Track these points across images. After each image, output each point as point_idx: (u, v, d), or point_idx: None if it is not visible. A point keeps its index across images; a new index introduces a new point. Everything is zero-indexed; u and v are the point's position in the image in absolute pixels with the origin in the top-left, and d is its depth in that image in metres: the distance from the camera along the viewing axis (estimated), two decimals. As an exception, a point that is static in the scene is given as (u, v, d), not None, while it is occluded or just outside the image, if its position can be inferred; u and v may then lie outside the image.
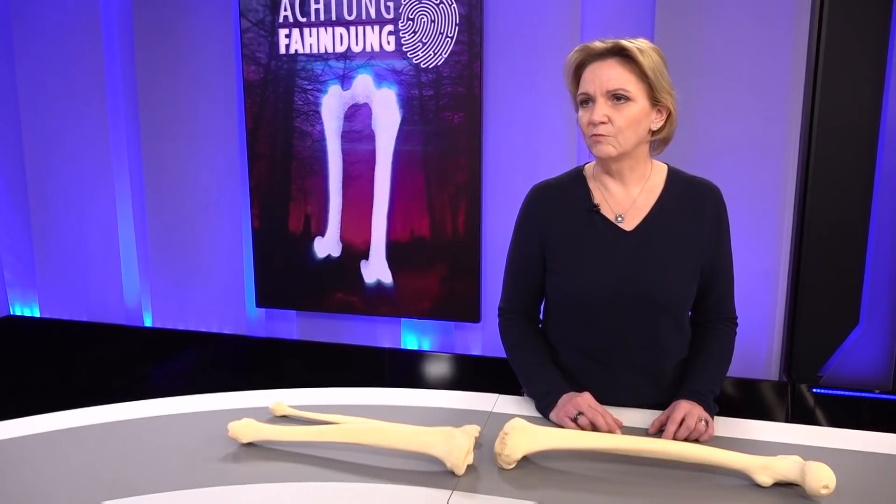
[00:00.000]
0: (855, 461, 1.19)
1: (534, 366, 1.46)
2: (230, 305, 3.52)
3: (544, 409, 1.38)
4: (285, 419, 1.34)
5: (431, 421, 1.28)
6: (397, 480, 1.13)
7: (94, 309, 3.73)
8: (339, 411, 1.36)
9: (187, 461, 1.19)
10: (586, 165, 1.49)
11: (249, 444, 1.24)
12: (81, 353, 3.77)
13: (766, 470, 1.11)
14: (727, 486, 1.12)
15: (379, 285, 3.22)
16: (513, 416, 1.27)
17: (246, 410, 1.36)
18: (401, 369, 3.32)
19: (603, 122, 1.32)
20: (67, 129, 3.58)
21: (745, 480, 1.13)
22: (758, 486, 1.11)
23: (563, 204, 1.45)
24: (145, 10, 3.34)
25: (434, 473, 1.15)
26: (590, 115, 1.33)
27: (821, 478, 1.06)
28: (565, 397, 1.35)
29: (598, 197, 1.43)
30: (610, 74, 1.31)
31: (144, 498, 1.08)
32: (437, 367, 3.28)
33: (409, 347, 3.33)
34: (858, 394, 2.80)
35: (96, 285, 3.70)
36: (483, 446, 1.23)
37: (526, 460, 1.18)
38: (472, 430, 1.21)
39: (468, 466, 1.16)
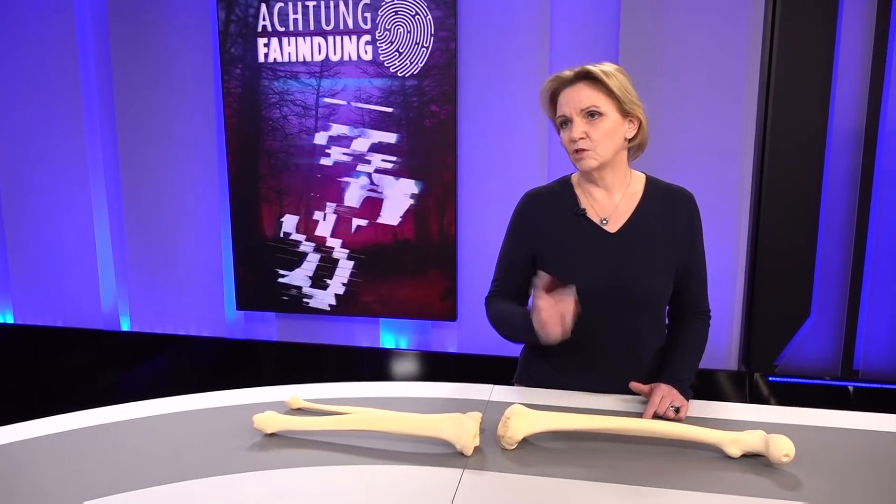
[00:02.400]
0: (811, 434, 1.36)
1: (513, 312, 1.58)
2: (209, 309, 3.56)
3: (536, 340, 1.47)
4: (300, 411, 1.45)
5: (434, 410, 1.41)
6: (413, 462, 1.25)
7: (70, 314, 3.73)
8: (347, 403, 1.48)
9: (219, 451, 1.30)
10: (572, 175, 1.64)
11: (273, 435, 1.36)
12: (58, 359, 3.76)
13: (735, 443, 1.27)
14: (702, 458, 1.28)
15: (357, 286, 3.32)
16: (509, 403, 1.41)
17: (264, 405, 1.47)
18: (379, 368, 3.42)
19: (582, 138, 1.48)
20: (42, 134, 3.57)
21: (717, 453, 1.29)
22: (728, 457, 1.27)
23: (552, 209, 1.60)
24: (122, 17, 3.36)
25: (445, 455, 1.28)
26: (570, 134, 1.50)
27: (782, 448, 1.22)
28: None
29: (584, 202, 1.58)
30: (581, 95, 1.48)
31: (186, 483, 1.19)
32: (415, 366, 3.39)
33: (387, 346, 3.44)
34: (810, 381, 2.99)
35: (72, 290, 3.69)
36: (485, 430, 1.37)
37: (525, 441, 1.32)
38: (476, 417, 1.34)
39: (475, 448, 1.29)
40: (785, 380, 3.01)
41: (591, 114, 1.48)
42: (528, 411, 1.33)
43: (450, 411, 1.38)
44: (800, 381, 3.00)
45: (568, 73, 1.52)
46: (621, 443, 1.33)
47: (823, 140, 2.82)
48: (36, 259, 3.73)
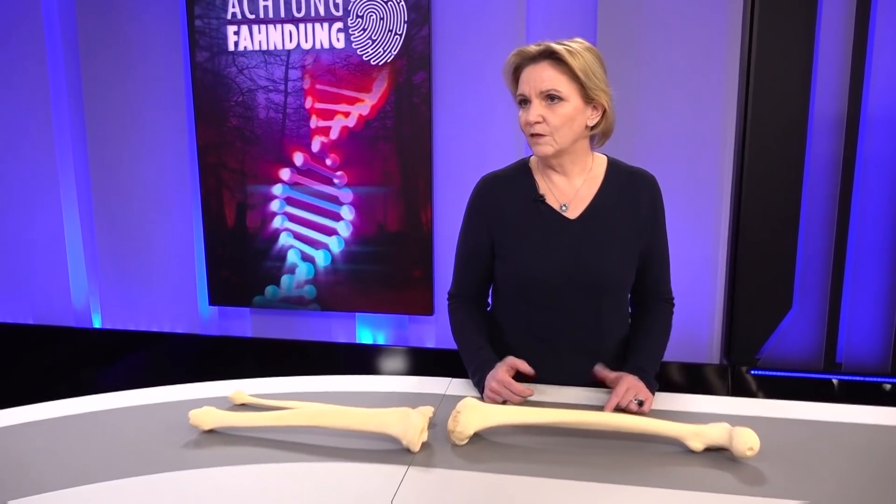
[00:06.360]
0: (777, 427, 1.30)
1: (470, 346, 1.55)
2: (182, 304, 3.50)
3: (479, 390, 1.47)
4: (244, 407, 1.38)
5: (388, 405, 1.33)
6: (355, 459, 1.18)
7: (41, 312, 3.66)
8: (297, 399, 1.41)
9: (151, 448, 1.22)
10: (531, 158, 1.57)
11: (211, 431, 1.28)
12: (28, 356, 3.69)
13: (697, 436, 1.20)
14: (663, 452, 1.21)
15: (333, 280, 3.25)
16: (465, 397, 1.34)
17: (205, 400, 1.39)
18: (356, 364, 3.35)
19: (538, 122, 1.40)
20: (9, 129, 3.49)
21: (678, 447, 1.22)
22: (690, 451, 1.20)
23: (510, 194, 1.52)
24: (90, 8, 3.29)
25: (390, 451, 1.20)
26: (526, 116, 1.41)
27: (746, 441, 1.15)
28: (486, 380, 1.43)
29: (543, 188, 1.51)
30: (542, 76, 1.39)
31: (110, 484, 1.11)
32: (393, 361, 3.33)
33: (364, 342, 3.38)
34: (792, 374, 2.94)
35: (42, 287, 3.62)
36: (437, 426, 1.30)
37: (477, 436, 1.25)
38: (427, 411, 1.27)
39: (423, 444, 1.22)
40: (767, 373, 2.97)
41: (551, 97, 1.39)
42: (479, 404, 1.26)
43: (403, 405, 1.30)
44: (782, 374, 2.96)
45: (533, 48, 1.41)
46: (578, 437, 1.25)
47: (804, 128, 2.77)
48: (5, 255, 3.65)
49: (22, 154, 3.51)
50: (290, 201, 3.22)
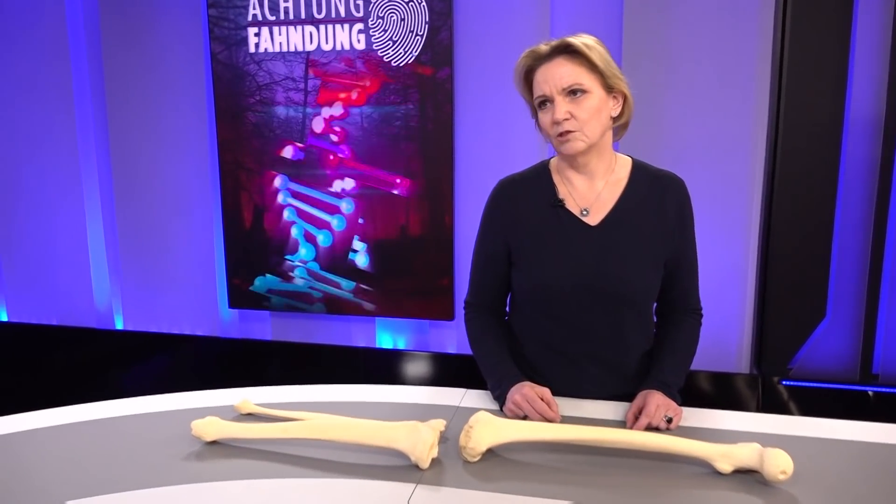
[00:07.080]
0: (812, 447, 1.21)
1: (490, 358, 1.48)
2: (203, 307, 3.48)
3: (499, 404, 1.40)
4: (251, 417, 1.33)
5: (399, 416, 1.28)
6: (362, 475, 1.12)
7: (64, 312, 3.67)
8: (307, 408, 1.36)
9: (150, 460, 1.17)
10: (551, 160, 1.50)
11: (213, 443, 1.23)
12: (51, 357, 3.71)
13: (725, 457, 1.12)
14: (688, 473, 1.13)
15: (353, 284, 3.21)
16: (480, 409, 1.28)
17: (211, 409, 1.35)
18: (376, 369, 3.31)
19: (567, 119, 1.33)
20: (34, 131, 3.51)
21: (705, 468, 1.14)
22: (718, 473, 1.12)
23: (528, 198, 1.46)
24: (112, 12, 3.30)
25: (399, 467, 1.15)
26: (552, 116, 1.35)
27: (778, 463, 1.07)
28: (510, 393, 1.37)
29: (562, 191, 1.44)
30: (562, 72, 1.33)
31: (107, 497, 1.07)
32: (413, 366, 3.28)
33: (384, 346, 3.33)
34: (826, 385, 2.84)
35: (65, 288, 3.64)
36: (449, 440, 1.24)
37: (491, 453, 1.19)
38: (438, 425, 1.21)
39: (433, 460, 1.16)
40: (799, 384, 2.87)
41: (574, 92, 1.33)
42: (493, 419, 1.19)
43: (416, 417, 1.25)
44: (815, 385, 2.86)
45: (544, 47, 1.37)
46: (597, 456, 1.18)
47: (839, 128, 2.68)
48: (29, 256, 3.68)
49: (45, 155, 3.53)
50: (305, 201, 3.19)
